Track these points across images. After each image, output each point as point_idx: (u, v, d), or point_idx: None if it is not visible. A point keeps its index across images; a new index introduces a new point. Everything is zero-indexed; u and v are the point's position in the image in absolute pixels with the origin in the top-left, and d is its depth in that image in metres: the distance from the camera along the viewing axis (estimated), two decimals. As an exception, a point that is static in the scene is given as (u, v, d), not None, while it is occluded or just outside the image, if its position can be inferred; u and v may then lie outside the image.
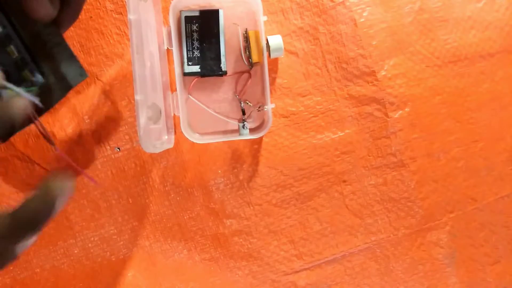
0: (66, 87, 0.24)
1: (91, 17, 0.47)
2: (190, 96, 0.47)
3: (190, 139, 0.44)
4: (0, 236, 0.21)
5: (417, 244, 0.51)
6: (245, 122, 0.45)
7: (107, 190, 0.48)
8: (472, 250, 0.52)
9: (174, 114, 0.45)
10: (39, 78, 0.23)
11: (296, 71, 0.48)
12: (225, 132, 0.47)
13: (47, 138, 0.26)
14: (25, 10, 0.22)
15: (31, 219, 0.21)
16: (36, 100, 0.22)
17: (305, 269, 0.51)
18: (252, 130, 0.47)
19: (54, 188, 0.21)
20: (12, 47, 0.22)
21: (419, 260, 0.52)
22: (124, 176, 0.48)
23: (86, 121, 0.47)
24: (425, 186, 0.51)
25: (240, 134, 0.45)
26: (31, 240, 0.24)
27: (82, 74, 0.25)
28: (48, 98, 0.23)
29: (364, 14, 0.48)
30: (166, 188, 0.49)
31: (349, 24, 0.48)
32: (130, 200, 0.48)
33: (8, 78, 0.22)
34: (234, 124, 0.47)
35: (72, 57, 0.25)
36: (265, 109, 0.45)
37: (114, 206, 0.48)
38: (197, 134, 0.47)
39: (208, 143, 0.48)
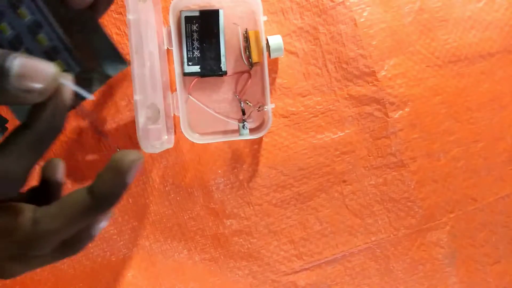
0: (104, 76, 0.23)
1: (91, 17, 0.47)
2: (190, 96, 0.47)
3: (190, 139, 0.44)
4: (81, 214, 0.20)
5: (417, 244, 0.51)
6: (245, 122, 0.45)
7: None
8: (472, 250, 0.52)
9: (174, 114, 0.45)
10: (74, 67, 0.21)
11: (296, 71, 0.48)
12: (225, 132, 0.47)
13: (98, 130, 0.25)
14: None
15: (107, 193, 0.20)
16: (90, 96, 0.21)
17: (305, 269, 0.51)
18: (252, 130, 0.47)
19: (125, 162, 0.20)
20: (42, 35, 0.21)
21: (419, 260, 0.52)
22: (124, 176, 0.48)
23: (86, 121, 0.47)
24: (425, 186, 0.51)
25: (240, 134, 0.45)
26: (105, 222, 0.23)
27: (122, 62, 0.23)
28: (85, 88, 0.21)
29: (364, 14, 0.48)
30: (166, 188, 0.49)
31: (349, 24, 0.48)
32: (130, 200, 0.48)
33: None
34: (234, 124, 0.47)
35: (110, 45, 0.23)
36: (265, 109, 0.45)
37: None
38: (197, 134, 0.47)
39: (208, 143, 0.48)
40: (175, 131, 0.47)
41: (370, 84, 0.49)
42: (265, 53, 0.44)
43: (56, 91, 0.19)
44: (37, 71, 0.17)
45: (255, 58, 0.45)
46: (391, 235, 0.51)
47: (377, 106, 0.49)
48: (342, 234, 0.51)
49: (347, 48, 0.48)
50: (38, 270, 0.49)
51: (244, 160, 0.49)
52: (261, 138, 0.49)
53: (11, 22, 0.21)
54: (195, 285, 0.50)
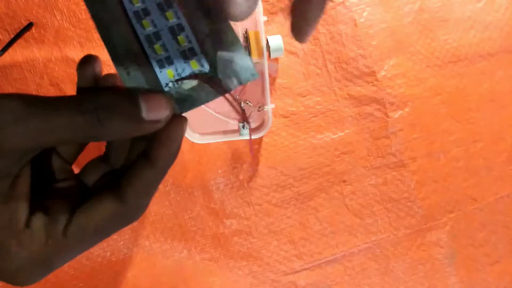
0: (236, 83, 0.24)
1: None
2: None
3: (190, 139, 0.44)
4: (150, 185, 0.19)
5: (417, 244, 0.51)
6: (245, 122, 0.45)
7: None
8: (472, 250, 0.52)
9: (174, 114, 0.45)
10: (206, 68, 0.22)
11: (296, 71, 0.48)
12: (225, 132, 0.47)
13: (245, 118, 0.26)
14: (217, 7, 0.20)
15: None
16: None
17: (305, 269, 0.51)
18: (252, 130, 0.47)
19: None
20: (182, 36, 0.22)
21: (419, 260, 0.52)
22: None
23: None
24: (425, 186, 0.51)
25: (240, 134, 0.45)
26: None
27: (254, 74, 0.24)
28: (215, 90, 0.23)
29: (364, 14, 0.48)
30: (166, 188, 0.49)
31: (349, 24, 0.48)
32: (130, 200, 0.48)
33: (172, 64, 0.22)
34: (234, 124, 0.47)
35: (245, 55, 0.24)
36: (265, 109, 0.45)
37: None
38: (197, 134, 0.47)
39: (208, 143, 0.48)
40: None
41: (370, 84, 0.49)
42: (265, 53, 0.44)
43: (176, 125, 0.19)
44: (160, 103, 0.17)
45: (255, 58, 0.45)
46: (391, 235, 0.51)
47: (377, 106, 0.49)
48: (342, 234, 0.51)
49: (347, 48, 0.48)
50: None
51: (244, 160, 0.49)
52: (261, 138, 0.49)
53: (154, 20, 0.22)
54: (195, 285, 0.50)
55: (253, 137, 0.45)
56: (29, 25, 0.46)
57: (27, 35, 0.46)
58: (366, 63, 0.48)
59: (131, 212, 0.19)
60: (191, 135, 0.45)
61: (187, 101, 0.21)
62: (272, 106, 0.45)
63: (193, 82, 0.22)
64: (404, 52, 0.49)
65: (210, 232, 0.50)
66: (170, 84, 0.21)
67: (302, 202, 0.50)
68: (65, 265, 0.49)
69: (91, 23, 0.47)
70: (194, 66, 0.22)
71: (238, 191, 0.49)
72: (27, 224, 0.18)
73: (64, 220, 0.18)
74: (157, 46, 0.22)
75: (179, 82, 0.21)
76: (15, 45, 0.46)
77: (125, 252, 0.49)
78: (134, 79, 0.20)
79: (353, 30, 0.48)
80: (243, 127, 0.45)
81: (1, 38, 0.46)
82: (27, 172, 0.18)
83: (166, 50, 0.22)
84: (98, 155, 0.23)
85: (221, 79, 0.23)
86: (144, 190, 0.19)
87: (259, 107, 0.46)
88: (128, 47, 0.21)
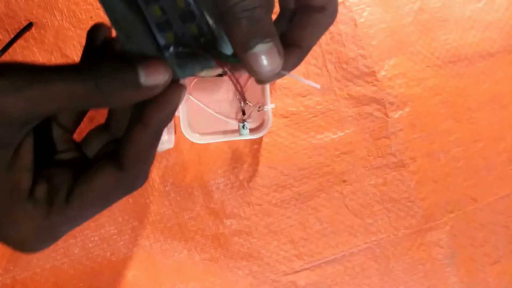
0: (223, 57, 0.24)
1: (91, 17, 0.47)
2: (190, 96, 0.47)
3: (190, 139, 0.44)
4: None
5: (417, 244, 0.51)
6: (245, 122, 0.45)
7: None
8: (472, 250, 0.52)
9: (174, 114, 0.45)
10: (206, 32, 0.22)
11: (296, 71, 0.48)
12: (225, 132, 0.47)
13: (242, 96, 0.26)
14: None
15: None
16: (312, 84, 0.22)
17: (305, 269, 0.51)
18: (252, 130, 0.47)
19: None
20: (194, 25, 0.22)
21: (419, 260, 0.52)
22: (124, 176, 0.48)
23: (86, 122, 0.47)
24: (425, 186, 0.51)
25: (240, 134, 0.45)
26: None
27: (236, 59, 0.25)
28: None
29: (364, 14, 0.48)
30: (166, 188, 0.49)
31: (349, 24, 0.48)
32: (130, 200, 0.48)
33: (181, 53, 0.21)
34: (234, 124, 0.47)
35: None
36: (265, 109, 0.45)
37: (114, 206, 0.48)
38: (197, 134, 0.47)
39: (208, 143, 0.48)
40: (175, 131, 0.47)
41: (370, 84, 0.49)
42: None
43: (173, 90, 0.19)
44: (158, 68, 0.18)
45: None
46: (391, 235, 0.51)
47: (377, 106, 0.49)
48: (342, 234, 0.51)
49: (347, 48, 0.48)
50: (38, 270, 0.49)
51: (244, 160, 0.49)
52: (261, 138, 0.49)
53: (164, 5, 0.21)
54: (195, 285, 0.50)
55: (253, 136, 0.45)
56: (29, 25, 0.46)
57: (27, 35, 0.46)
58: (366, 63, 0.48)
59: (130, 179, 0.19)
60: (191, 135, 0.45)
61: (187, 66, 0.21)
62: (272, 106, 0.45)
63: (193, 47, 0.21)
64: (404, 52, 0.49)
65: (210, 232, 0.50)
66: (171, 49, 0.20)
67: (302, 202, 0.50)
68: (65, 265, 0.49)
69: (91, 23, 0.46)
70: (193, 30, 0.22)
71: (238, 191, 0.49)
72: (31, 193, 0.18)
73: (66, 188, 0.19)
74: (155, 8, 0.21)
75: (179, 47, 0.21)
76: (15, 45, 0.46)
77: (125, 252, 0.49)
78: (133, 43, 0.20)
79: (353, 30, 0.48)
80: (243, 127, 0.45)
81: (1, 38, 0.46)
82: (29, 142, 0.18)
83: (165, 13, 0.21)
84: (98, 124, 0.23)
85: (219, 44, 0.22)
86: (139, 155, 0.19)
87: (259, 107, 0.46)
88: (128, 10, 0.20)
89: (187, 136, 0.44)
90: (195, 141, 0.45)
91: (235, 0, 0.16)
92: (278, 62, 0.17)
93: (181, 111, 0.44)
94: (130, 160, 0.19)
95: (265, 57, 0.17)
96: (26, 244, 0.18)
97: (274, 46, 0.17)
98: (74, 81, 0.16)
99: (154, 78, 0.17)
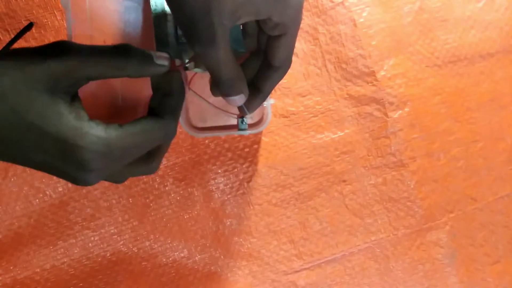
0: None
1: (91, 17, 0.47)
2: (190, 89, 0.46)
3: (190, 133, 0.44)
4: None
5: (417, 244, 0.51)
6: (244, 118, 0.45)
7: (107, 189, 0.48)
8: (472, 250, 0.52)
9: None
10: None
11: (296, 71, 0.48)
12: (225, 128, 0.47)
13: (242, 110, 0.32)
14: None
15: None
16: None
17: (305, 268, 0.51)
18: (251, 126, 0.47)
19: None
20: None
21: (419, 260, 0.52)
22: (124, 176, 0.48)
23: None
24: (425, 186, 0.51)
25: (239, 129, 0.45)
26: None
27: (243, 48, 0.33)
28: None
29: (364, 14, 0.48)
30: (166, 188, 0.49)
31: (349, 24, 0.48)
32: (130, 200, 0.48)
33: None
34: (233, 120, 0.47)
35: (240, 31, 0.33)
36: (264, 105, 0.45)
37: (114, 206, 0.48)
38: (197, 129, 0.47)
39: (209, 143, 0.48)
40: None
41: (370, 84, 0.49)
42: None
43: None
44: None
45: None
46: (391, 234, 0.51)
47: (377, 106, 0.49)
48: (342, 233, 0.51)
49: (346, 48, 0.48)
50: (38, 270, 0.49)
51: (244, 160, 0.49)
52: (260, 138, 0.49)
53: None
54: (195, 285, 0.50)
55: (252, 132, 0.45)
56: (29, 25, 0.46)
57: (27, 35, 0.46)
58: (365, 63, 0.48)
59: (165, 126, 0.27)
60: (191, 130, 0.45)
61: (181, 58, 0.32)
62: (272, 101, 0.45)
63: (174, 48, 0.32)
64: (403, 52, 0.49)
65: (210, 232, 0.50)
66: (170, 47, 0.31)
67: (302, 202, 0.50)
68: (65, 265, 0.49)
69: (91, 23, 0.47)
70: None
71: (238, 191, 0.49)
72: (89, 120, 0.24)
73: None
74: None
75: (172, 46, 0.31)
76: (15, 45, 0.46)
77: (125, 252, 0.49)
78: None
79: (353, 30, 0.48)
80: (242, 122, 0.45)
81: (1, 38, 0.46)
82: None
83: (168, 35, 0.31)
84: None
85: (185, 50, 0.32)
86: (171, 110, 0.28)
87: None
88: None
89: (187, 130, 0.44)
90: (194, 135, 0.45)
91: (223, 74, 0.27)
92: (244, 99, 0.29)
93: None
94: (166, 111, 0.28)
95: (237, 99, 0.29)
96: (86, 173, 0.24)
97: (243, 96, 0.28)
98: (108, 60, 0.25)
99: (161, 60, 0.27)
